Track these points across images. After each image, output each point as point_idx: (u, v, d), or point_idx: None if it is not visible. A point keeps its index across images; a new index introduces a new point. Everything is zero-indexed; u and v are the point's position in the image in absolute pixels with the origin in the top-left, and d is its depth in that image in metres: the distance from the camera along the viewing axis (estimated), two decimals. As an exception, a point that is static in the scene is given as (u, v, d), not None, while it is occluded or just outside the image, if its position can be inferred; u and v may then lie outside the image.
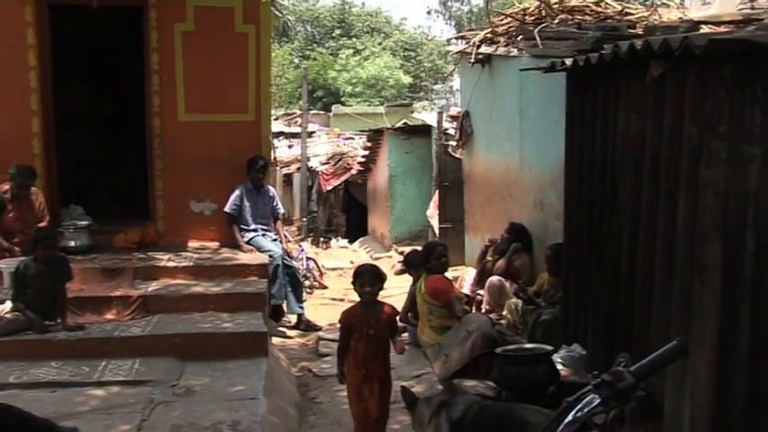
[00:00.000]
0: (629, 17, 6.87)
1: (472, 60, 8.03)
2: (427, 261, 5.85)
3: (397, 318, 4.57)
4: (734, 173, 3.15)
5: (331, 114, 24.63)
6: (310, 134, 19.85)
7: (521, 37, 7.11)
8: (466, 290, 7.09)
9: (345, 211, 18.18)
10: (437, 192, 11.00)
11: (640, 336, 3.92)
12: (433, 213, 11.38)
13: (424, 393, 4.22)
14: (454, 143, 10.16)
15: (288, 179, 20.01)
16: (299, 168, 18.46)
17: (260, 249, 6.66)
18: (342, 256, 14.00)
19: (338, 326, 4.24)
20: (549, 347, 4.46)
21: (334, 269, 11.57)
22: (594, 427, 2.15)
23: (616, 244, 4.24)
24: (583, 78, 4.76)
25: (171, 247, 6.60)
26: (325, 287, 10.03)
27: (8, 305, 5.09)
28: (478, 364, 4.91)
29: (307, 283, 9.20)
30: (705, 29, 4.81)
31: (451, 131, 10.51)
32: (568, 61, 4.68)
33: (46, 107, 6.55)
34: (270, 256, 6.56)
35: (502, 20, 8.22)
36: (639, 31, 5.49)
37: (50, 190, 6.58)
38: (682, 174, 3.47)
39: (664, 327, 3.62)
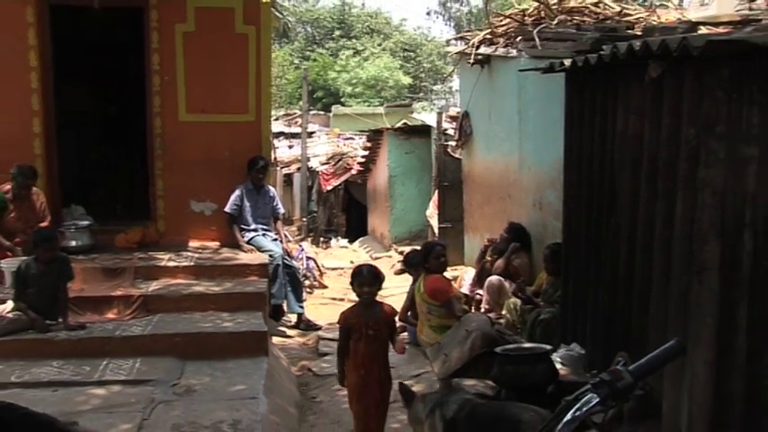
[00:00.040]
0: (628, 18, 6.89)
1: (471, 61, 8.05)
2: (426, 261, 5.87)
3: (396, 318, 4.58)
4: (732, 173, 3.17)
5: (331, 115, 24.63)
6: (310, 134, 19.86)
7: (520, 38, 7.13)
8: (465, 289, 7.10)
9: (345, 211, 18.20)
10: (436, 192, 11.02)
11: (639, 335, 3.93)
12: (432, 213, 11.39)
13: (422, 392, 4.23)
14: (454, 143, 10.18)
15: (288, 179, 20.01)
16: (299, 168, 18.47)
17: (260, 249, 6.68)
18: (342, 256, 14.01)
19: (338, 326, 4.25)
20: (548, 347, 4.47)
21: (334, 269, 11.58)
22: (593, 426, 2.17)
23: (614, 244, 4.26)
24: (581, 79, 4.77)
25: (171, 246, 6.62)
26: (325, 287, 10.04)
27: (9, 305, 5.11)
28: (478, 364, 4.92)
29: (307, 282, 9.21)
30: (703, 30, 4.83)
31: (451, 132, 10.52)
32: (567, 62, 4.70)
33: (47, 108, 6.57)
34: (270, 256, 6.57)
35: (501, 21, 8.24)
36: (638, 31, 5.50)
37: (52, 190, 6.60)
38: (680, 174, 3.48)
39: (662, 326, 3.63)
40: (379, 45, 34.78)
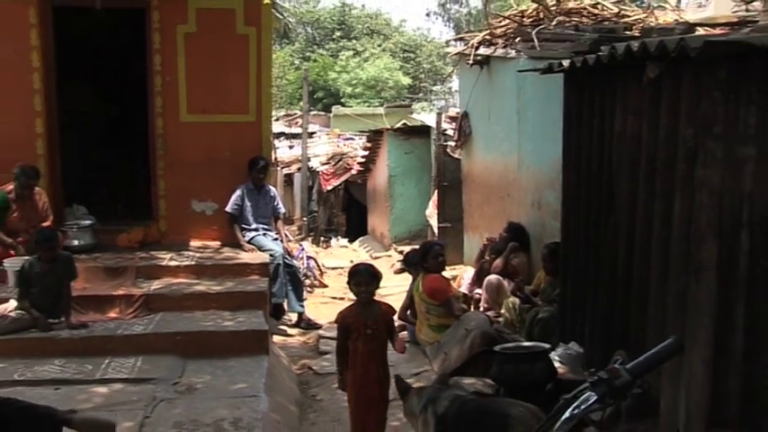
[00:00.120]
0: (626, 19, 6.93)
1: (471, 62, 8.07)
2: (424, 260, 5.89)
3: (396, 316, 4.59)
4: (729, 173, 3.18)
5: (331, 115, 24.65)
6: (311, 135, 19.87)
7: (519, 39, 7.16)
8: (464, 289, 7.14)
9: (345, 210, 18.21)
10: (436, 192, 11.03)
11: (637, 334, 3.95)
12: (432, 213, 11.41)
13: (418, 386, 4.25)
14: (453, 143, 10.20)
15: (288, 179, 20.03)
16: (299, 168, 18.49)
17: (261, 248, 6.70)
18: (342, 256, 14.03)
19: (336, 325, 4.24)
20: (547, 345, 4.49)
21: (334, 268, 11.59)
22: (591, 424, 2.19)
23: (613, 243, 4.28)
24: (580, 80, 4.79)
25: (173, 246, 6.64)
26: (325, 286, 10.06)
27: (12, 303, 5.13)
28: (477, 362, 4.95)
29: (307, 281, 9.23)
30: (701, 31, 4.86)
31: (450, 132, 10.54)
32: (566, 63, 4.72)
33: (50, 108, 6.60)
34: (271, 256, 6.60)
35: (500, 22, 8.28)
36: (636, 33, 5.54)
37: (54, 190, 6.62)
38: (677, 174, 3.50)
39: (660, 325, 3.65)
40: (379, 46, 34.79)
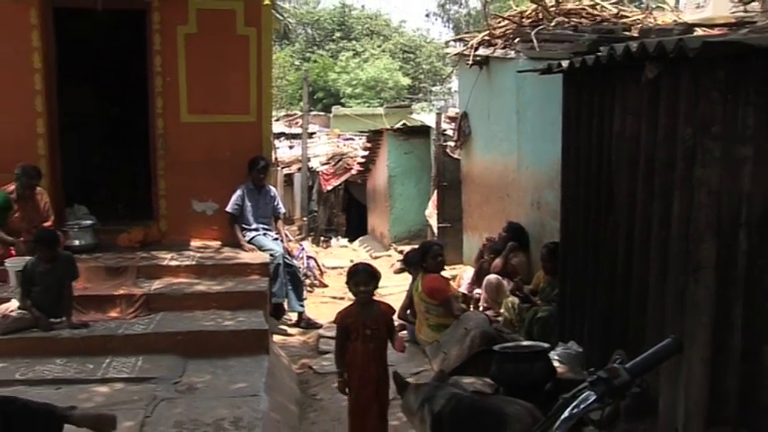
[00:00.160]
0: (625, 20, 6.94)
1: (470, 62, 8.09)
2: (423, 260, 5.90)
3: (395, 316, 4.60)
4: (727, 173, 3.20)
5: (331, 115, 24.66)
6: (311, 135, 19.88)
7: (518, 39, 7.17)
8: (464, 288, 7.16)
9: (345, 210, 18.22)
10: (436, 192, 11.04)
11: (636, 333, 3.96)
12: (431, 213, 11.42)
13: (415, 382, 4.25)
14: (452, 144, 10.21)
15: (289, 179, 20.03)
16: (299, 169, 18.50)
17: (261, 248, 6.72)
18: (342, 255, 14.03)
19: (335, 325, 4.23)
20: (546, 345, 4.50)
21: (334, 268, 11.59)
22: (591, 423, 2.20)
23: (612, 243, 4.29)
24: (579, 80, 4.81)
25: (173, 246, 6.66)
26: (325, 285, 10.07)
27: (14, 303, 5.15)
28: (477, 362, 4.96)
29: (307, 281, 9.23)
30: (699, 31, 4.87)
31: (450, 132, 10.55)
32: (565, 63, 4.74)
33: (51, 109, 6.62)
34: (271, 255, 6.62)
35: (499, 22, 8.29)
36: (635, 33, 5.55)
37: (55, 190, 6.64)
38: (676, 174, 3.51)
39: (659, 324, 3.66)
40: (379, 47, 34.81)
